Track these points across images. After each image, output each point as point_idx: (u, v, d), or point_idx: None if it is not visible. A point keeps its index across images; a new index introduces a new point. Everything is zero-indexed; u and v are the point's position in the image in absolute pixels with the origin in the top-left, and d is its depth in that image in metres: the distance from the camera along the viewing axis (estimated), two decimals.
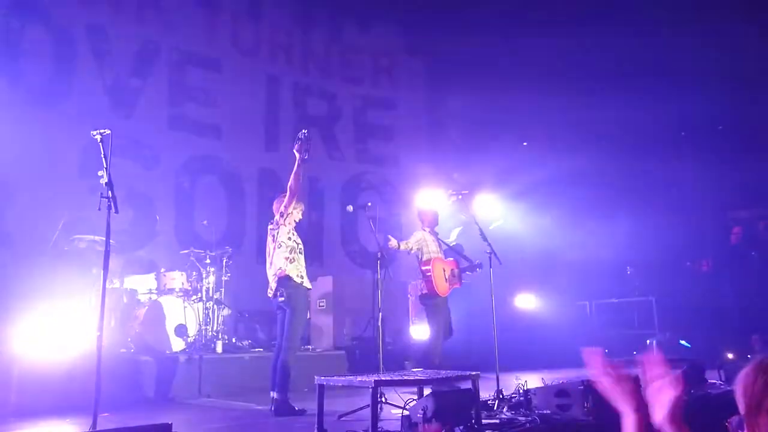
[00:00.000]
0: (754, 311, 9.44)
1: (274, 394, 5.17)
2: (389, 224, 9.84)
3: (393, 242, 6.13)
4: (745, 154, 10.31)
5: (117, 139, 3.98)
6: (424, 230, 6.43)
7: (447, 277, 6.26)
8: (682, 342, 9.15)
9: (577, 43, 10.54)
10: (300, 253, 5.34)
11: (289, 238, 5.33)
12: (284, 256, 5.25)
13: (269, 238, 5.41)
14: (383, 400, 5.15)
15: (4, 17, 8.21)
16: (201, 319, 7.49)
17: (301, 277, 5.29)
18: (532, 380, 5.05)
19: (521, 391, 4.78)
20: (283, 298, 5.17)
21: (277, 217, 5.38)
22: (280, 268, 5.22)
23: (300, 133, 5.10)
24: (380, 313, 5.47)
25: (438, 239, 6.48)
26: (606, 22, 10.11)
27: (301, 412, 5.13)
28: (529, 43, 10.89)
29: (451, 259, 6.57)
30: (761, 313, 9.37)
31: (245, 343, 8.00)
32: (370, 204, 5.89)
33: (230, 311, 8.10)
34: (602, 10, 10.05)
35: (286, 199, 5.30)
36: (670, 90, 10.38)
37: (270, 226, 5.43)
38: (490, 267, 5.83)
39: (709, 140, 10.65)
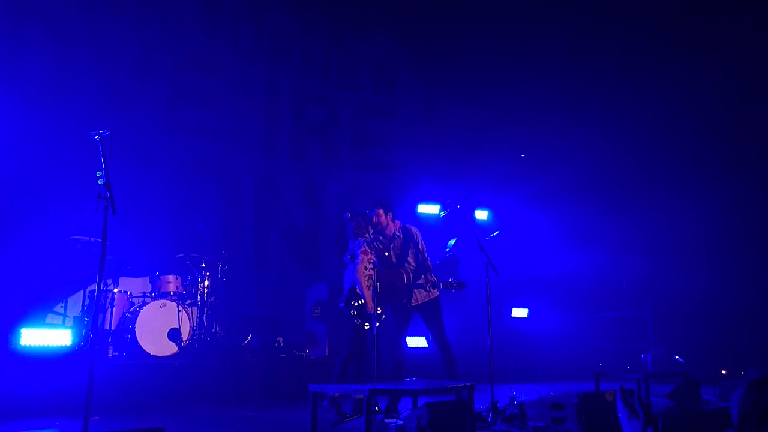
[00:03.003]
0: (749, 329, 9.46)
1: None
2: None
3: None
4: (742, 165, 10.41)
5: (115, 141, 3.96)
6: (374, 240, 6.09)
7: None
8: (677, 358, 9.14)
9: (576, 52, 10.66)
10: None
11: (366, 267, 5.59)
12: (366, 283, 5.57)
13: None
14: (377, 408, 5.13)
15: (4, 17, 8.20)
16: (195, 324, 7.45)
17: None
18: (527, 392, 5.04)
19: (516, 403, 4.77)
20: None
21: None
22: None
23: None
24: (376, 322, 5.45)
25: (388, 245, 5.99)
26: (607, 29, 10.23)
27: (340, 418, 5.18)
28: (529, 52, 10.97)
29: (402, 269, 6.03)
30: (756, 329, 9.40)
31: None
32: (368, 212, 5.85)
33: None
34: (603, 16, 10.16)
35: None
36: (673, 99, 10.46)
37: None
38: (487, 277, 5.82)
39: (709, 149, 10.71)
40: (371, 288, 5.53)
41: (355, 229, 5.77)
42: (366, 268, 5.57)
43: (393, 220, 5.94)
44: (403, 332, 5.84)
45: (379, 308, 5.43)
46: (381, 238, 5.89)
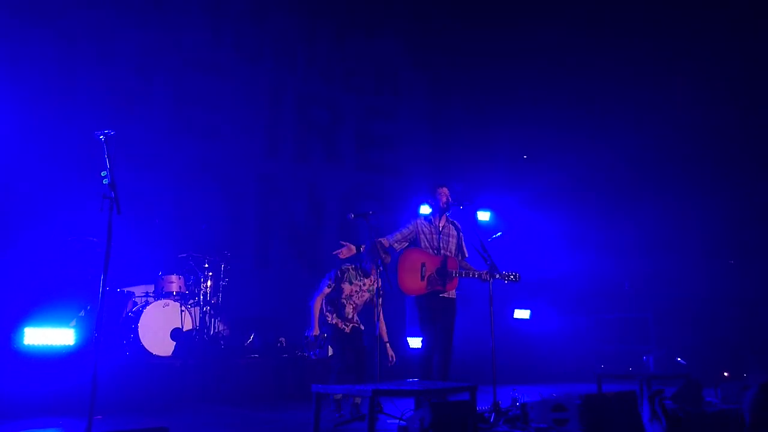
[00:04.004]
0: (750, 330, 9.45)
1: None
2: (390, 233, 9.82)
3: (384, 242, 5.75)
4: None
5: (117, 141, 3.97)
6: (420, 219, 5.89)
7: (426, 274, 5.52)
8: (679, 359, 9.14)
9: (578, 53, 10.68)
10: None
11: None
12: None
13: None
14: (379, 409, 5.13)
15: (7, 17, 8.21)
16: (197, 324, 7.46)
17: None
18: (529, 393, 5.05)
19: (518, 404, 4.77)
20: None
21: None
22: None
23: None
24: (378, 322, 5.45)
25: (438, 230, 5.74)
26: (608, 32, 10.27)
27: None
28: (532, 54, 10.99)
29: (450, 255, 5.71)
30: (758, 331, 9.40)
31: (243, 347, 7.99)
32: (372, 212, 5.84)
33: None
34: (604, 18, 10.21)
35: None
36: (674, 100, 10.48)
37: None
38: (489, 279, 5.82)
39: (710, 150, 10.72)
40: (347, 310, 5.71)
41: (371, 253, 5.60)
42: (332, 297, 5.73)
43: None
44: (452, 324, 5.63)
45: (324, 333, 5.60)
46: (433, 219, 5.80)
